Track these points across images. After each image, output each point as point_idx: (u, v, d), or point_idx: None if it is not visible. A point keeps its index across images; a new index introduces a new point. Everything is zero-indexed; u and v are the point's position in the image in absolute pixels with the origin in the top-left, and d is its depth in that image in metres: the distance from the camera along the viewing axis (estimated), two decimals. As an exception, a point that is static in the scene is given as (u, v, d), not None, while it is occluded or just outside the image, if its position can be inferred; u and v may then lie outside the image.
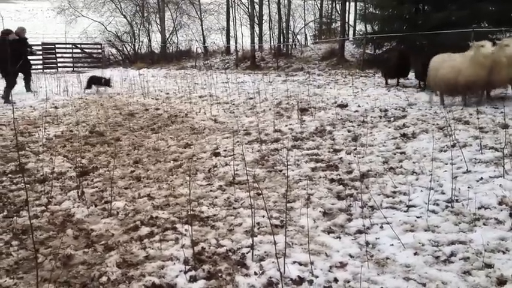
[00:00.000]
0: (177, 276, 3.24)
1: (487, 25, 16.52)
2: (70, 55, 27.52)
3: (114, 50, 31.64)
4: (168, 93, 13.58)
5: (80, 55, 28.43)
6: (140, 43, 32.10)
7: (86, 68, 26.16)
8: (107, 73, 19.62)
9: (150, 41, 32.02)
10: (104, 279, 3.23)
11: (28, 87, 14.26)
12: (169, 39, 31.89)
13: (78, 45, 28.13)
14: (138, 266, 3.41)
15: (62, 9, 32.40)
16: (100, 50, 29.12)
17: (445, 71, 8.41)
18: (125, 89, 15.34)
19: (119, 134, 8.24)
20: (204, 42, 31.83)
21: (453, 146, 5.96)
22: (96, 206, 4.73)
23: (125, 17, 31.89)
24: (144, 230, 4.05)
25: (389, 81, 12.67)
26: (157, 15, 31.70)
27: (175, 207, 4.61)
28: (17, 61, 12.78)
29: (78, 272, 3.36)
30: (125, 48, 31.92)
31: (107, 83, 14.78)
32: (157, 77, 18.12)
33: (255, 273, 3.26)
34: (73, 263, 3.50)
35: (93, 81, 14.98)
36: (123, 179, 5.63)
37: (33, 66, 15.10)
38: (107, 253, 3.65)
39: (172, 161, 6.33)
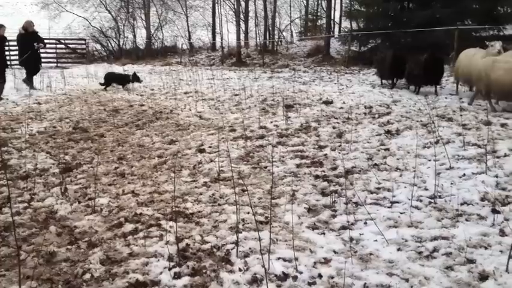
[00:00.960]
0: (161, 273, 3.22)
1: (471, 23, 16.69)
2: (54, 50, 27.20)
3: (98, 46, 31.35)
4: (153, 90, 13.51)
5: (64, 50, 28.09)
6: (125, 39, 31.85)
7: (70, 64, 25.86)
8: (90, 68, 19.45)
9: (135, 36, 31.79)
10: (87, 276, 3.21)
11: (31, 82, 14.01)
12: (154, 35, 31.71)
13: (62, 41, 27.80)
14: (121, 263, 3.39)
15: (45, 4, 31.96)
16: (84, 46, 28.81)
17: (500, 73, 7.45)
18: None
19: (103, 130, 8.17)
20: (190, 38, 31.72)
21: (436, 142, 6.01)
22: (79, 202, 4.69)
23: (109, 12, 31.58)
24: (128, 227, 4.02)
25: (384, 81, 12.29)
26: (143, 11, 31.47)
27: (160, 204, 4.59)
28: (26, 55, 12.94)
29: (61, 269, 3.33)
30: (109, 44, 31.66)
31: (135, 79, 13.87)
32: (142, 73, 17.95)
33: (240, 270, 3.26)
34: (56, 260, 3.46)
35: (114, 79, 14.22)
36: (107, 176, 5.59)
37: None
38: (91, 250, 3.62)
39: (157, 158, 6.30)
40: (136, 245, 3.66)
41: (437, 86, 10.31)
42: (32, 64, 13.42)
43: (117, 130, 8.12)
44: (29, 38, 13.29)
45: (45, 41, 14.75)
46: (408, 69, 10.61)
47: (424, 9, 15.81)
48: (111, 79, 14.28)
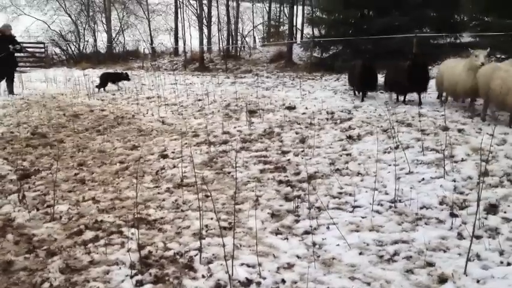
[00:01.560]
0: (122, 281, 3.18)
1: (428, 30, 17.15)
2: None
3: (57, 50, 30.68)
4: (114, 94, 13.32)
5: (22, 54, 27.40)
6: (85, 43, 31.28)
7: (28, 68, 25.22)
8: (49, 73, 19.02)
9: (95, 40, 31.25)
10: (46, 285, 3.14)
11: (11, 89, 13.66)
12: (115, 39, 31.27)
13: (23, 46, 27.12)
14: (82, 271, 3.33)
15: (3, 7, 31.20)
16: (43, 50, 28.15)
17: (497, 82, 7.07)
18: (69, 89, 14.90)
19: (62, 135, 8.01)
20: (152, 42, 31.42)
21: (396, 147, 6.13)
22: (38, 210, 4.58)
23: (69, 15, 31.01)
24: (89, 234, 3.95)
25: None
26: (103, 15, 31.01)
27: (122, 211, 4.53)
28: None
29: (19, 279, 3.24)
30: (69, 48, 31.02)
31: (126, 77, 14.69)
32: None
33: (203, 276, 3.24)
34: (14, 269, 3.37)
35: (110, 78, 14.81)
36: (66, 182, 5.48)
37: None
38: (50, 258, 3.54)
39: (118, 163, 6.21)
40: (97, 253, 3.60)
41: (422, 95, 9.39)
42: (3, 68, 13.11)
43: (77, 135, 7.97)
44: (5, 41, 12.99)
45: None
46: (388, 77, 10.11)
47: (384, 16, 16.14)
48: (107, 78, 14.69)
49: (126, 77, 14.72)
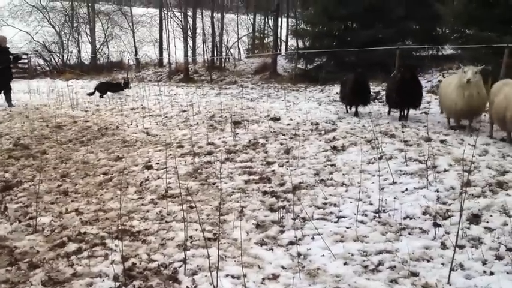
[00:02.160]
0: (106, 293, 3.14)
1: (411, 43, 17.41)
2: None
3: (41, 61, 30.49)
4: (98, 105, 13.23)
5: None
6: (69, 54, 31.16)
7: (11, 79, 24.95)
8: (32, 84, 18.86)
9: (79, 51, 31.16)
10: (27, 298, 3.08)
11: (9, 102, 13.50)
12: (99, 50, 31.18)
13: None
14: (64, 284, 3.29)
15: (-14, 19, 31.00)
16: (26, 61, 27.93)
17: (500, 98, 6.64)
18: (52, 100, 14.76)
19: (45, 147, 7.93)
20: (136, 54, 31.39)
21: (380, 158, 6.18)
22: (20, 222, 4.52)
23: (53, 27, 30.91)
24: (72, 246, 3.91)
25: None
26: (88, 26, 30.95)
27: (105, 222, 4.49)
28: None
29: (0, 292, 3.19)
30: (52, 59, 30.86)
31: (126, 85, 14.96)
32: (87, 88, 17.58)
33: (188, 288, 3.22)
34: (-6, 283, 3.32)
35: (108, 87, 15.14)
36: (49, 194, 5.42)
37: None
38: (32, 271, 3.49)
39: (102, 175, 6.16)
40: (80, 265, 3.56)
41: (413, 109, 8.95)
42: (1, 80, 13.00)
43: (60, 147, 7.89)
44: (1, 53, 12.89)
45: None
46: (387, 90, 9.59)
47: (367, 29, 16.36)
48: (106, 88, 15.11)
49: (127, 85, 15.03)
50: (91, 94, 14.97)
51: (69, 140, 8.50)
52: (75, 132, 9.26)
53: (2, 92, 13.43)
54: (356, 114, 9.60)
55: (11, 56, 13.16)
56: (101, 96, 14.83)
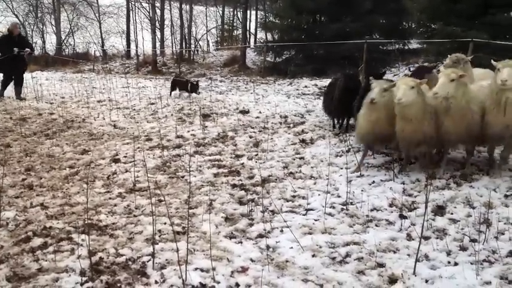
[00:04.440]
0: (73, 289, 3.10)
1: (378, 37, 17.65)
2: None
3: (3, 51, 29.66)
4: (63, 97, 12.95)
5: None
6: (33, 44, 30.38)
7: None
8: None
9: (44, 42, 30.42)
10: (-9, 295, 3.02)
11: (18, 94, 12.79)
12: (65, 41, 30.52)
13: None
14: (30, 279, 3.23)
15: None
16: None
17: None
18: (16, 92, 14.40)
19: (9, 139, 7.73)
20: (103, 45, 30.87)
21: (348, 151, 6.25)
22: (-18, 217, 4.40)
23: (16, 16, 30.03)
24: (37, 241, 3.83)
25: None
26: (52, 16, 30.23)
27: (71, 217, 4.41)
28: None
29: (-38, 290, 3.11)
30: (16, 50, 30.05)
31: (193, 88, 11.66)
32: (52, 80, 17.19)
33: (156, 282, 3.20)
34: (-45, 280, 3.23)
35: (178, 84, 12.14)
36: (13, 188, 5.29)
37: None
38: (-5, 267, 3.41)
39: (68, 168, 6.05)
40: (46, 260, 3.49)
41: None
42: (7, 69, 12.35)
43: (24, 140, 7.71)
44: (12, 41, 12.29)
45: None
46: (324, 98, 8.04)
47: (335, 23, 16.49)
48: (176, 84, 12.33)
49: (194, 89, 11.69)
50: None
51: (33, 132, 8.31)
52: (40, 124, 9.05)
53: (13, 82, 12.79)
54: (347, 129, 7.56)
55: (15, 49, 12.44)
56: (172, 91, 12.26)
